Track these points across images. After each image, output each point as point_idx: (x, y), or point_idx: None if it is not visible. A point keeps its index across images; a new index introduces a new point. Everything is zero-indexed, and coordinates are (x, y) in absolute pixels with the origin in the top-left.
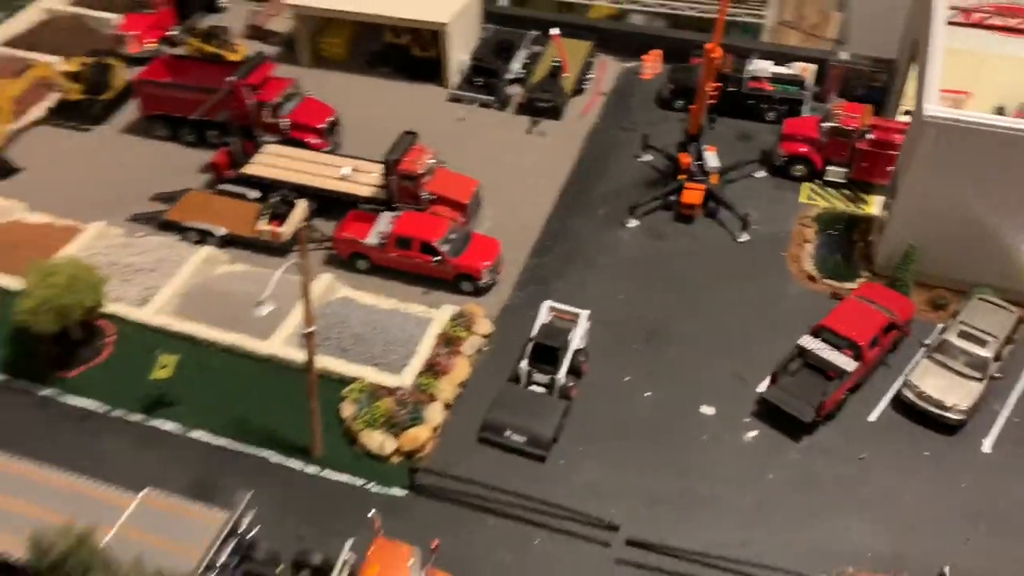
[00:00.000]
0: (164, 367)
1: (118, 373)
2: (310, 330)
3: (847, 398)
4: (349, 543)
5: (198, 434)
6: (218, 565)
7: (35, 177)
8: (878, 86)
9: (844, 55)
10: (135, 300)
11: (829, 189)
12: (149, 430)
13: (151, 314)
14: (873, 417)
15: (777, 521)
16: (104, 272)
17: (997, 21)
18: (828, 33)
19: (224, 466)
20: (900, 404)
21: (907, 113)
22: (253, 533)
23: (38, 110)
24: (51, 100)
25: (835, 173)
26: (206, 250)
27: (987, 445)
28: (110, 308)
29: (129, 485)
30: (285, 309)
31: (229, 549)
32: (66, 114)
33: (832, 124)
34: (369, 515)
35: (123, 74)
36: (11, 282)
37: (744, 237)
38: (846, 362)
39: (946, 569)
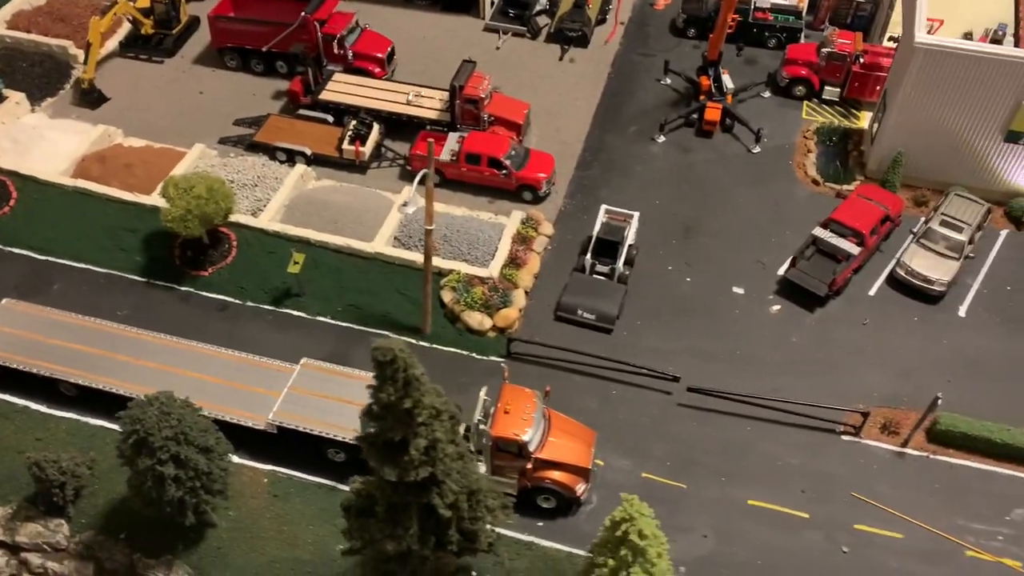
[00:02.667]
0: (296, 263)
1: (245, 271)
2: (430, 227)
3: (852, 277)
4: (484, 389)
5: (323, 319)
6: None
7: (121, 105)
8: (864, 15)
9: None
10: (246, 211)
11: (825, 106)
12: (281, 315)
13: (265, 222)
14: (872, 292)
15: (801, 372)
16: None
17: None
18: None
19: (351, 342)
20: (894, 281)
21: (891, 39)
22: None
23: (111, 44)
24: (121, 34)
25: (830, 92)
26: (300, 168)
27: (962, 311)
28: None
29: (281, 358)
30: (380, 217)
31: None
32: (136, 47)
33: (830, 50)
34: (501, 365)
35: (186, 9)
36: (135, 197)
37: (757, 148)
38: (851, 247)
39: (939, 395)
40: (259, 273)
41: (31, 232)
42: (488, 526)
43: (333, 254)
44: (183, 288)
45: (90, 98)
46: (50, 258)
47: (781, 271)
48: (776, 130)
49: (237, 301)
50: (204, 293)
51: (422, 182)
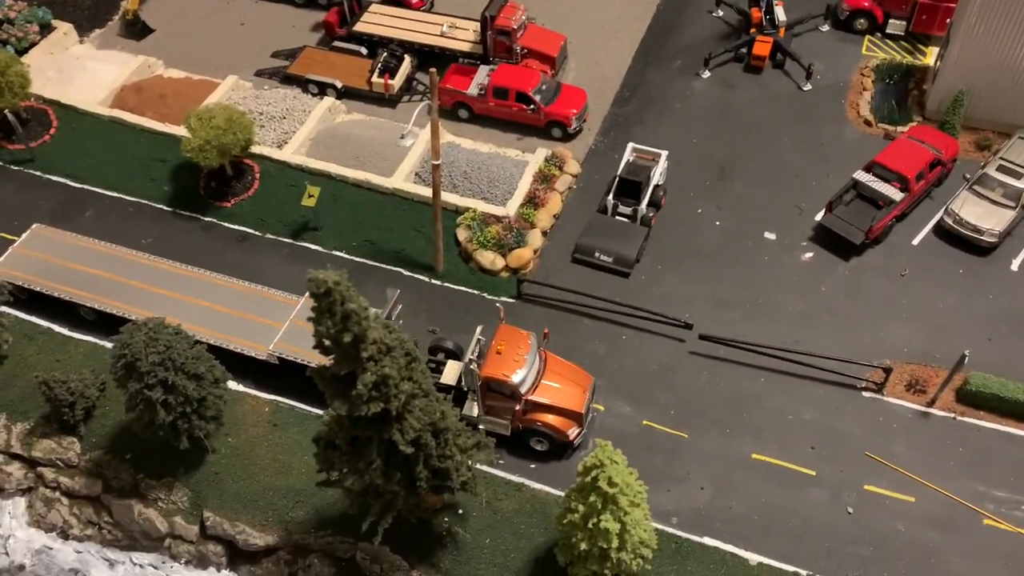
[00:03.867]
0: (311, 196)
1: (267, 203)
2: (437, 162)
3: (894, 224)
4: (479, 328)
5: (338, 253)
6: None
7: (165, 36)
8: None
9: None
10: (272, 143)
11: (888, 41)
12: (298, 248)
13: (289, 154)
14: (916, 241)
15: (827, 323)
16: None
17: None
18: None
19: (364, 278)
20: (941, 230)
21: None
22: (399, 324)
23: None
24: None
25: (895, 26)
26: (328, 101)
27: (1015, 264)
28: (254, 149)
29: (292, 290)
30: (402, 152)
31: None
32: None
33: None
34: (497, 305)
35: None
36: (166, 128)
37: (808, 86)
38: (894, 192)
39: (966, 352)
40: (279, 206)
41: (68, 160)
42: (465, 465)
43: (352, 188)
44: (206, 218)
45: (134, 29)
46: (85, 186)
47: (819, 217)
48: (831, 66)
49: (257, 233)
50: (226, 224)
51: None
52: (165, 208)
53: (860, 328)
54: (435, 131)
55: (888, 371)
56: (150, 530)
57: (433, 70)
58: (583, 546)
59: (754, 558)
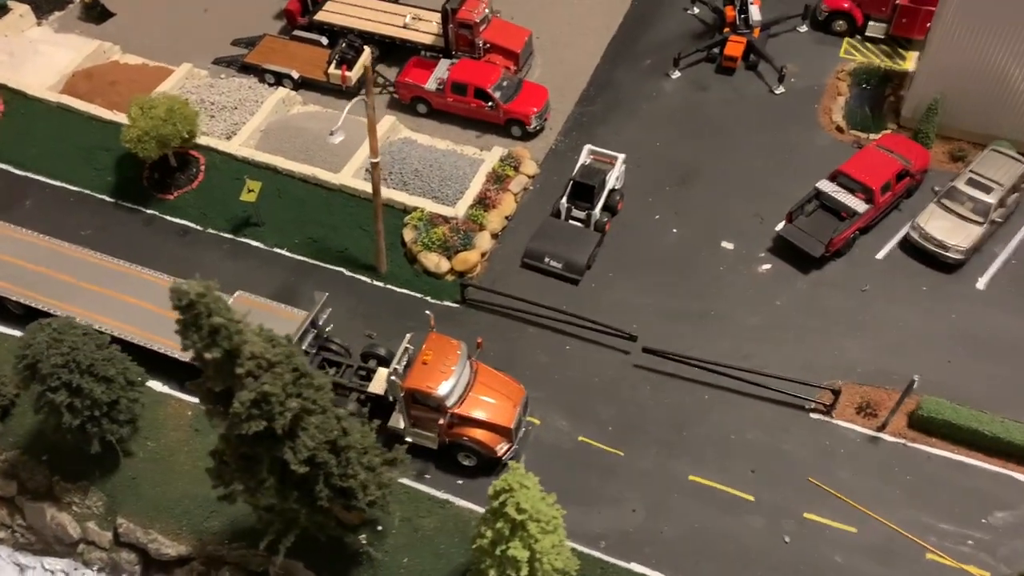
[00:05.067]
0: (251, 191)
1: (210, 197)
2: (375, 160)
3: (857, 237)
4: (408, 336)
5: (280, 251)
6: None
7: (125, 22)
8: None
9: None
10: (221, 134)
11: (868, 44)
12: (239, 244)
13: (236, 146)
14: (880, 255)
15: (780, 339)
16: (195, 108)
17: None
18: None
19: (303, 277)
20: (907, 245)
21: None
22: (329, 328)
23: None
24: None
25: (875, 28)
26: (282, 91)
27: (982, 283)
28: (201, 140)
29: (224, 288)
30: (353, 147)
31: (309, 339)
32: None
33: None
34: (426, 312)
35: None
36: (113, 116)
37: (780, 89)
38: (857, 204)
39: (915, 377)
40: (223, 199)
41: (13, 147)
42: (374, 483)
43: (299, 183)
44: (148, 211)
45: (93, 13)
46: (27, 174)
47: (779, 227)
48: (807, 69)
49: (198, 227)
50: (168, 217)
51: (355, 107)
52: (107, 199)
53: (814, 345)
54: (372, 129)
55: (837, 392)
56: (62, 535)
57: (367, 65)
58: (492, 573)
59: None
